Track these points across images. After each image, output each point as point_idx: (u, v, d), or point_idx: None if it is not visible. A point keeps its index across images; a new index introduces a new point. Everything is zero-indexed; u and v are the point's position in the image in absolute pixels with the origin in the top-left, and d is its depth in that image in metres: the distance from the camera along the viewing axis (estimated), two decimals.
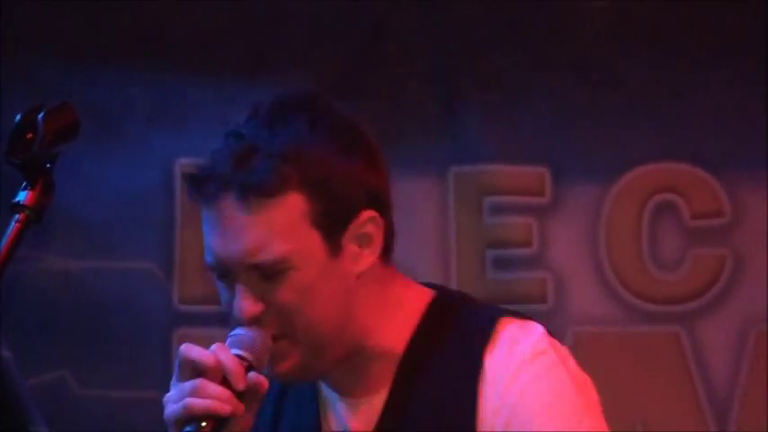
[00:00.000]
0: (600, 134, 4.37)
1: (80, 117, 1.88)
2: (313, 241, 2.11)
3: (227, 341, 2.08)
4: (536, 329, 2.18)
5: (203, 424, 2.00)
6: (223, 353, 2.04)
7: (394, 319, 2.21)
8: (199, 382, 2.02)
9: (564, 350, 2.19)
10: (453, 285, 4.20)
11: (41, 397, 4.07)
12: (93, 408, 4.12)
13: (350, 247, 2.14)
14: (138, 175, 4.29)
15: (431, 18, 4.26)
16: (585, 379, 2.19)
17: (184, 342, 2.10)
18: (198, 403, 2.01)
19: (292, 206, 2.10)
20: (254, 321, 2.10)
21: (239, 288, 2.11)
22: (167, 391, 4.13)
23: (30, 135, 1.84)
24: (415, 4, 4.25)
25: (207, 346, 2.20)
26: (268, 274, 2.09)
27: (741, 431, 4.22)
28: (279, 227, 2.10)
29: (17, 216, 1.83)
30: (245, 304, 2.10)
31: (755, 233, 4.34)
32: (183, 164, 4.33)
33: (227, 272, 2.12)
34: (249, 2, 4.29)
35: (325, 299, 2.13)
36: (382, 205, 2.18)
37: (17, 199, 1.84)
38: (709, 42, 4.31)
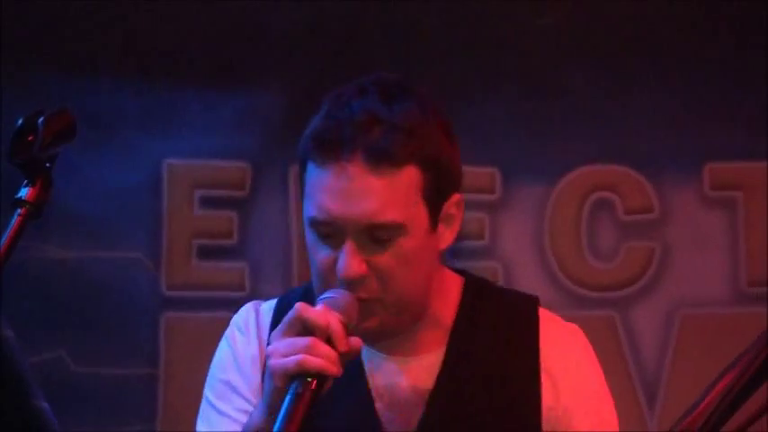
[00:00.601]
0: (544, 139, 4.38)
1: (76, 121, 1.90)
2: (422, 213, 2.10)
3: (324, 302, 2.04)
4: (574, 325, 2.29)
5: (309, 380, 1.96)
6: (331, 316, 2.00)
7: (442, 293, 2.21)
8: (312, 340, 1.97)
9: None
10: None
11: (40, 374, 4.08)
12: (88, 384, 4.11)
13: (440, 224, 2.14)
14: (129, 173, 4.29)
15: (394, 32, 4.27)
16: None
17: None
18: (312, 361, 1.96)
19: (411, 177, 2.08)
20: (357, 281, 2.06)
21: (349, 247, 2.06)
22: (156, 368, 4.14)
23: (30, 137, 1.85)
24: (379, 22, 4.26)
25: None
26: (380, 238, 2.07)
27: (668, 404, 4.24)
28: (399, 194, 2.07)
29: (19, 210, 1.84)
30: (354, 263, 2.06)
31: (681, 227, 4.37)
32: (170, 164, 4.33)
33: (337, 232, 2.08)
34: (229, 18, 4.26)
35: (420, 268, 2.12)
36: (462, 193, 2.19)
37: (19, 195, 1.85)
38: (641, 55, 4.33)
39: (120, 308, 4.22)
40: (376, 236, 2.07)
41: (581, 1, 4.32)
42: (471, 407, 2.17)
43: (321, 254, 2.10)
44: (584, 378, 2.22)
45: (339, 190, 2.07)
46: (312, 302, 2.18)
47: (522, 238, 4.43)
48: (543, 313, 2.26)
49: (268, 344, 2.19)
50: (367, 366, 2.20)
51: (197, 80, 4.29)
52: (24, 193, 1.85)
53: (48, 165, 1.87)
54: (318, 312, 2.00)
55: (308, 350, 1.96)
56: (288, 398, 1.96)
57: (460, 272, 2.30)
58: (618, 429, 2.24)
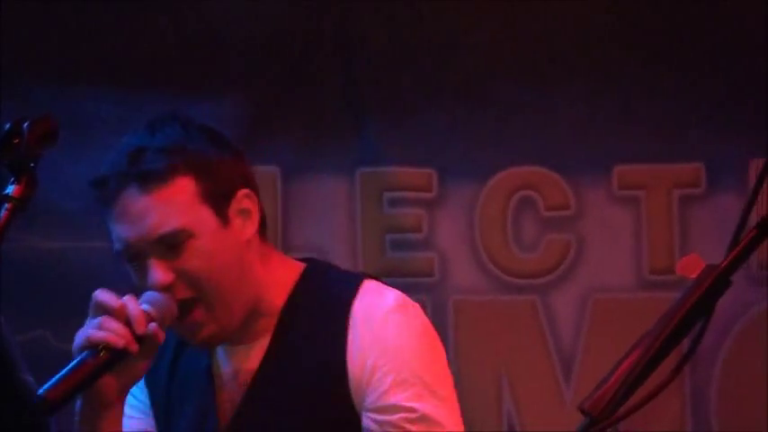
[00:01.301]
0: (475, 144, 4.38)
1: (58, 126, 1.92)
2: (205, 214, 2.11)
3: (140, 298, 2.06)
4: (393, 290, 2.20)
5: (101, 353, 1.99)
6: (130, 302, 2.03)
7: (276, 280, 2.19)
8: (102, 318, 2.02)
9: (417, 307, 2.20)
10: (359, 263, 4.24)
11: (26, 350, 4.08)
12: (68, 359, 4.11)
13: (235, 219, 2.13)
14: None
15: (345, 49, 4.28)
16: (434, 332, 2.20)
17: None
18: (97, 334, 2.01)
19: (184, 187, 2.10)
20: (167, 287, 2.07)
21: (151, 262, 2.09)
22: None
23: (17, 140, 1.86)
24: (332, 40, 4.26)
25: None
26: (172, 245, 2.08)
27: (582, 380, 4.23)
28: (175, 204, 2.09)
29: (6, 205, 1.85)
30: (158, 274, 2.08)
31: (593, 222, 4.38)
32: None
33: (137, 254, 2.11)
34: (198, 34, 4.24)
35: (225, 261, 2.12)
36: (253, 183, 2.19)
37: (6, 191, 1.86)
38: (559, 69, 4.35)
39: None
40: (169, 244, 2.08)
41: (506, 21, 4.32)
42: (286, 387, 2.16)
43: (136, 279, 2.13)
44: (386, 343, 2.14)
45: (124, 219, 2.12)
46: None
47: (456, 231, 4.42)
48: (365, 286, 2.20)
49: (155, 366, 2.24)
50: (216, 355, 2.22)
51: (168, 89, 4.25)
52: (11, 189, 1.86)
53: (32, 165, 1.87)
54: (112, 296, 2.06)
55: (95, 326, 2.02)
56: (71, 363, 2.04)
57: (306, 260, 2.30)
58: (432, 376, 2.16)
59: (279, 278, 2.21)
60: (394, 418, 2.09)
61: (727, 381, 4.32)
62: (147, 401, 2.26)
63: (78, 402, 2.09)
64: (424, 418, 2.09)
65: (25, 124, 1.87)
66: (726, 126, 4.29)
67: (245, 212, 2.17)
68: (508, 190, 4.42)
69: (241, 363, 2.19)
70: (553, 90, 4.37)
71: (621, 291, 4.38)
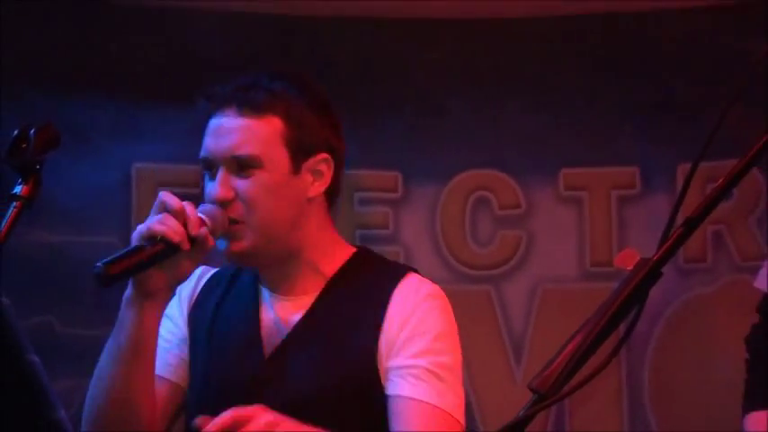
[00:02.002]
0: (435, 149, 4.39)
1: (60, 132, 1.90)
2: (281, 155, 2.12)
3: (198, 208, 2.08)
4: (432, 283, 2.20)
5: (158, 243, 1.99)
6: (189, 206, 2.04)
7: (329, 249, 2.21)
8: (164, 215, 2.02)
9: (447, 300, 2.20)
10: None
11: (32, 334, 4.06)
12: (70, 342, 4.07)
13: (306, 174, 2.15)
14: (104, 174, 4.25)
15: (316, 64, 4.28)
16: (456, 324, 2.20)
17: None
18: (157, 227, 2.00)
19: (273, 125, 2.12)
20: (225, 202, 2.09)
21: (219, 174, 2.11)
22: None
23: (24, 145, 1.86)
24: (303, 56, 4.24)
25: None
26: (243, 166, 2.10)
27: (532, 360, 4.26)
28: (259, 134, 2.11)
29: (14, 203, 1.85)
30: (222, 188, 2.10)
31: (541, 220, 4.40)
32: (138, 167, 4.29)
33: (213, 164, 2.12)
34: (185, 49, 4.23)
35: (280, 202, 2.12)
36: (337, 157, 2.19)
37: (14, 191, 1.86)
38: (509, 83, 4.35)
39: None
40: (240, 165, 2.10)
41: (460, 41, 4.33)
42: (322, 338, 2.16)
43: (207, 186, 2.15)
44: (423, 317, 2.13)
45: (215, 132, 2.14)
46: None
47: (419, 228, 4.43)
48: (411, 275, 2.21)
49: (197, 298, 2.27)
50: (262, 301, 2.21)
51: (158, 98, 4.23)
52: (18, 189, 1.86)
53: (38, 167, 1.87)
54: (174, 198, 2.06)
55: (157, 220, 2.01)
56: (130, 247, 2.02)
57: (359, 246, 2.30)
58: (452, 363, 2.16)
59: (332, 248, 2.22)
60: (413, 370, 2.10)
61: (658, 361, 4.35)
62: (187, 334, 2.25)
63: (127, 291, 2.08)
64: (440, 378, 2.10)
65: (31, 131, 1.87)
66: (657, 134, 4.31)
67: (317, 173, 2.16)
68: (466, 191, 4.42)
69: (286, 312, 2.18)
70: (504, 101, 4.37)
71: (566, 281, 4.38)
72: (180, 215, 2.03)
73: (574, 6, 4.23)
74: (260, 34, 4.27)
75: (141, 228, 2.03)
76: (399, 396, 2.09)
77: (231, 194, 2.10)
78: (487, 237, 4.42)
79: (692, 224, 1.41)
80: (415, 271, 2.25)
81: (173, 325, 2.26)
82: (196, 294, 2.28)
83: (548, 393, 1.36)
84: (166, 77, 4.23)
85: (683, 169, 4.28)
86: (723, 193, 1.43)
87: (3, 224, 1.85)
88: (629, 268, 1.42)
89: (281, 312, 2.19)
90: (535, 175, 4.41)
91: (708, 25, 4.16)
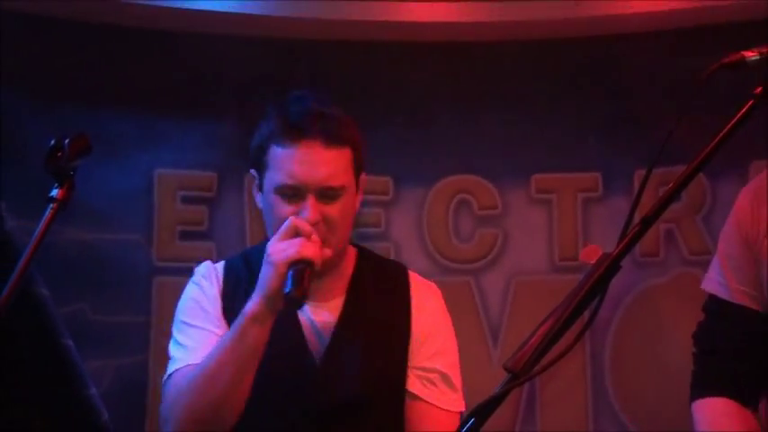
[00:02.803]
0: (422, 156, 4.38)
1: (91, 142, 1.90)
2: (352, 180, 2.16)
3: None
4: (432, 284, 2.30)
5: (304, 264, 2.00)
6: (312, 230, 2.05)
7: (344, 253, 2.23)
8: (304, 239, 2.02)
9: None
10: None
11: (67, 321, 4.04)
12: (100, 327, 4.08)
13: (359, 191, 2.21)
14: (129, 179, 4.24)
15: (316, 81, 4.27)
16: None
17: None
18: (307, 249, 2.01)
19: (348, 154, 2.15)
20: (316, 223, 2.08)
21: (311, 202, 2.10)
22: (149, 316, 4.05)
23: (59, 153, 1.86)
24: (305, 75, 4.24)
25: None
26: (331, 196, 2.11)
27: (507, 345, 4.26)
28: (344, 165, 2.13)
29: (51, 205, 1.84)
30: (315, 212, 2.09)
31: (515, 219, 4.39)
32: (160, 172, 4.28)
33: (300, 192, 2.10)
34: (202, 68, 4.22)
35: (350, 219, 2.18)
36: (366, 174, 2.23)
37: (51, 194, 1.85)
38: (488, 98, 4.35)
39: (123, 274, 4.16)
40: (328, 194, 2.11)
41: (446, 61, 4.32)
42: (362, 334, 2.18)
43: (286, 209, 2.11)
44: (438, 319, 2.23)
45: (305, 161, 2.10)
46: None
47: (407, 226, 4.42)
48: (411, 274, 2.27)
49: (224, 292, 2.24)
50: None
51: (178, 112, 4.23)
52: (55, 192, 1.85)
53: (71, 173, 1.87)
54: (307, 225, 2.05)
55: (303, 244, 2.01)
56: (291, 273, 1.99)
57: (356, 245, 2.33)
58: (456, 353, 2.26)
59: (348, 251, 2.25)
60: (431, 375, 2.16)
61: (618, 343, 4.34)
62: (226, 326, 2.22)
63: (253, 307, 2.06)
64: (450, 382, 2.20)
65: (66, 141, 1.86)
66: (617, 144, 4.31)
67: (360, 188, 2.22)
68: (449, 194, 4.42)
69: (321, 317, 2.19)
70: (483, 115, 4.36)
71: (537, 273, 4.37)
72: (313, 240, 2.04)
73: (546, 32, 4.22)
74: (266, 56, 4.25)
75: (287, 253, 2.01)
76: (418, 397, 2.16)
77: (320, 217, 2.11)
78: (468, 234, 4.41)
79: (646, 223, 1.42)
80: (406, 267, 2.31)
81: (213, 318, 2.24)
82: (221, 288, 2.27)
83: (520, 372, 1.37)
84: (183, 94, 4.22)
85: (639, 175, 4.27)
86: (674, 195, 1.44)
87: (41, 224, 1.84)
88: (592, 262, 1.43)
89: (315, 317, 2.20)
90: (510, 180, 4.40)
91: (665, 47, 4.14)
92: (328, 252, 2.10)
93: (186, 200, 4.29)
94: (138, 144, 4.24)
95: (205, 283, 2.28)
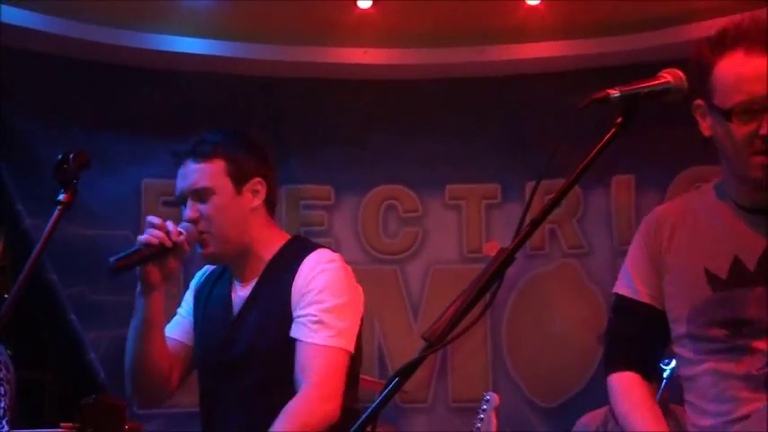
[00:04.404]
0: (359, 170, 4.38)
1: (91, 157, 1.87)
2: (226, 184, 2.15)
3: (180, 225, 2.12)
4: (334, 253, 2.18)
5: (148, 247, 2.06)
6: (170, 223, 2.09)
7: (270, 242, 2.20)
8: (150, 228, 2.07)
9: (348, 268, 2.17)
10: None
11: (71, 299, 3.98)
12: (99, 306, 4.02)
13: (247, 193, 2.17)
14: (121, 186, 4.18)
15: (274, 108, 4.24)
16: (357, 285, 2.17)
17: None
18: (145, 236, 2.06)
19: (218, 165, 2.15)
20: (192, 222, 2.12)
21: (188, 204, 2.15)
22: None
23: (65, 166, 1.84)
24: (266, 102, 4.21)
25: None
26: (202, 196, 2.14)
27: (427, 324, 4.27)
28: (209, 173, 2.15)
29: (58, 207, 1.82)
30: (190, 211, 2.14)
31: (433, 221, 4.40)
32: (145, 181, 4.23)
33: (184, 197, 2.16)
34: (182, 98, 4.19)
35: (230, 215, 2.15)
36: (269, 179, 2.21)
37: (58, 198, 1.83)
38: (414, 122, 4.36)
39: None
40: (200, 196, 2.14)
41: (379, 94, 4.33)
42: (259, 311, 2.15)
43: (183, 213, 2.15)
44: (314, 276, 2.10)
45: (182, 175, 2.18)
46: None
47: (346, 225, 4.41)
48: (320, 250, 2.16)
49: (200, 285, 2.29)
50: (233, 287, 2.22)
51: (161, 134, 4.15)
52: (61, 197, 1.83)
53: (75, 181, 1.85)
54: (157, 218, 2.10)
55: (148, 233, 2.07)
56: (132, 248, 2.07)
57: (295, 235, 2.28)
58: (333, 306, 2.09)
59: (271, 241, 2.20)
60: (304, 319, 2.08)
61: (512, 318, 4.37)
62: (192, 309, 2.28)
63: (138, 287, 2.11)
64: (322, 322, 2.07)
65: (70, 156, 1.85)
66: (513, 161, 4.33)
67: (255, 192, 2.18)
68: (379, 199, 4.42)
69: (242, 292, 2.19)
70: (407, 138, 4.37)
71: (450, 263, 4.37)
72: (162, 228, 2.08)
73: (457, 72, 4.25)
74: (231, 89, 4.22)
75: (139, 238, 2.08)
76: (296, 339, 2.08)
77: (197, 215, 2.13)
78: (394, 232, 4.41)
79: (535, 224, 1.42)
80: (328, 248, 2.21)
81: (186, 305, 2.30)
82: (200, 284, 2.31)
83: (436, 341, 1.35)
84: (165, 120, 4.18)
85: (529, 186, 4.32)
86: (556, 203, 1.44)
87: (49, 222, 1.81)
88: (492, 254, 1.42)
89: (240, 293, 2.20)
90: (428, 189, 4.41)
91: (551, 86, 4.18)
92: (210, 250, 2.14)
93: (167, 203, 4.21)
94: (128, 159, 4.19)
95: (196, 279, 2.35)
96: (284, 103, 4.24)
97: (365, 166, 4.38)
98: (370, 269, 4.28)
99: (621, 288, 1.86)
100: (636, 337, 1.85)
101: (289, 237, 2.24)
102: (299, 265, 2.12)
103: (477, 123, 4.34)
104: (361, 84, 4.30)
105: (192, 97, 4.18)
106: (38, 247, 1.80)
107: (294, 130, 4.34)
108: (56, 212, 1.81)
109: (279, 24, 4.01)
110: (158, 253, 2.06)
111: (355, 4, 3.90)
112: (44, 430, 3.68)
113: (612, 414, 2.08)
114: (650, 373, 1.86)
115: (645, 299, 1.83)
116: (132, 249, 2.06)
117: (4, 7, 3.67)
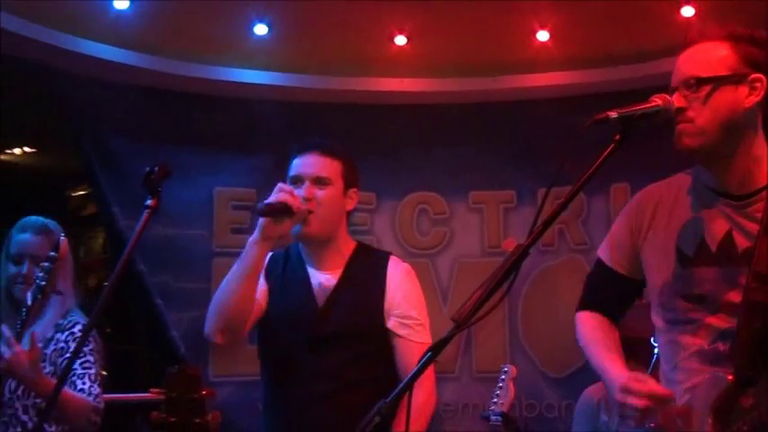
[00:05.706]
0: (396, 179, 4.37)
1: (171, 168, 1.88)
2: (340, 182, 2.17)
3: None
4: (403, 261, 2.26)
5: (283, 205, 2.05)
6: (298, 192, 2.11)
7: (347, 240, 2.23)
8: (289, 191, 2.07)
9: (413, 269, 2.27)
10: None
11: (157, 287, 3.99)
12: (179, 292, 4.04)
13: (348, 198, 2.20)
14: (196, 193, 4.19)
15: (320, 128, 4.26)
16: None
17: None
18: (287, 197, 2.06)
19: (337, 164, 2.17)
20: (306, 200, 2.12)
21: (306, 185, 2.14)
22: (210, 284, 3.99)
23: (152, 176, 1.84)
24: (315, 123, 4.20)
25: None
26: (320, 183, 2.15)
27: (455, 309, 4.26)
28: (331, 167, 2.16)
29: (146, 210, 1.83)
30: (308, 192, 2.14)
31: (459, 222, 4.38)
32: (217, 189, 4.23)
33: (301, 179, 2.15)
34: (238, 124, 4.17)
35: (335, 207, 2.18)
36: (358, 194, 2.24)
37: (146, 203, 1.84)
38: (439, 139, 4.32)
39: (193, 256, 4.13)
40: (319, 183, 2.16)
41: (410, 116, 4.29)
42: (351, 298, 2.17)
43: (295, 191, 2.15)
44: (407, 288, 2.19)
45: (307, 162, 2.18)
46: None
47: (386, 226, 4.40)
48: (392, 257, 2.25)
49: (267, 266, 2.26)
50: (309, 273, 2.23)
51: (230, 150, 4.20)
52: (149, 202, 1.84)
53: (159, 189, 1.86)
54: (289, 186, 2.11)
55: (288, 192, 2.07)
56: (274, 201, 2.06)
57: (358, 241, 2.31)
58: (422, 303, 2.22)
59: (348, 242, 2.24)
60: (411, 321, 2.16)
61: (526, 305, 4.34)
62: (265, 286, 2.25)
63: (254, 235, 2.08)
64: (422, 325, 2.18)
65: (155, 168, 1.86)
66: (527, 171, 4.31)
67: (350, 198, 2.22)
68: (413, 204, 4.41)
69: (325, 279, 2.20)
70: (436, 152, 4.36)
71: (473, 257, 4.35)
72: (293, 194, 2.08)
73: (475, 97, 4.23)
74: (288, 113, 4.19)
75: (274, 194, 2.06)
76: (398, 335, 2.15)
77: (312, 196, 2.14)
78: (426, 231, 4.40)
79: (546, 224, 1.43)
80: (391, 254, 2.28)
81: (263, 273, 2.29)
82: (268, 263, 2.28)
83: (462, 322, 1.36)
84: (234, 138, 4.19)
85: (541, 192, 4.28)
86: (564, 207, 1.45)
87: (139, 223, 1.83)
88: (510, 250, 1.43)
89: (321, 279, 2.20)
90: (454, 195, 4.39)
91: (558, 108, 4.14)
92: (312, 229, 2.13)
93: (235, 207, 4.25)
94: (203, 170, 4.22)
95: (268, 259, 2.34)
96: (332, 124, 4.23)
97: (401, 176, 4.37)
98: (409, 262, 4.24)
99: (601, 251, 1.90)
100: (603, 290, 1.88)
101: (355, 242, 2.28)
102: (386, 267, 2.18)
103: (496, 140, 4.32)
104: (396, 107, 4.30)
105: (254, 120, 4.20)
106: (130, 243, 1.82)
107: (341, 147, 4.34)
108: (144, 215, 1.82)
109: (328, 58, 4.04)
110: (285, 212, 2.06)
111: (392, 42, 3.92)
112: (136, 394, 3.74)
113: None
114: (615, 317, 1.89)
115: (616, 267, 1.85)
116: (275, 202, 2.06)
117: (109, 47, 3.76)
